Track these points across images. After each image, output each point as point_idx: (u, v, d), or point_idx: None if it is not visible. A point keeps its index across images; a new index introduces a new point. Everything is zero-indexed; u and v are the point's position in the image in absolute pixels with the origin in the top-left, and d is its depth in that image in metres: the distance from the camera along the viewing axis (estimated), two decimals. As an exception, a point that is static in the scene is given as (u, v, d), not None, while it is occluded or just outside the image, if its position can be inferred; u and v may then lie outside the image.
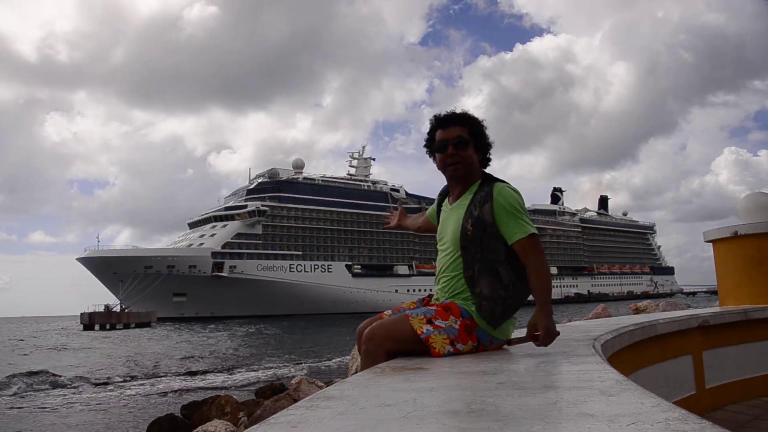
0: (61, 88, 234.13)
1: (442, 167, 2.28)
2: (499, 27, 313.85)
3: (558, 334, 2.03)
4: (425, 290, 39.79)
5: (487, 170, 2.34)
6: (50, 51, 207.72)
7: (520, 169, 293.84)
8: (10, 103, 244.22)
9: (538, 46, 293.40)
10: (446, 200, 2.39)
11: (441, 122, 2.28)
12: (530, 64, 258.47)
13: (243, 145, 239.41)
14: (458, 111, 2.31)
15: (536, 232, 2.10)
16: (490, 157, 2.33)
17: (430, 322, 2.04)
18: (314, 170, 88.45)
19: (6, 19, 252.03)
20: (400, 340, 2.04)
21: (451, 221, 2.25)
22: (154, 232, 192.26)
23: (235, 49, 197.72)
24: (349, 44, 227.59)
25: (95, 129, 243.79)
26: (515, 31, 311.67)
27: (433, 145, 2.30)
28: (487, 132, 2.31)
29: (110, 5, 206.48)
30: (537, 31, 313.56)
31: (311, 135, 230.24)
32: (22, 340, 39.68)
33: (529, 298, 2.21)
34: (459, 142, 2.21)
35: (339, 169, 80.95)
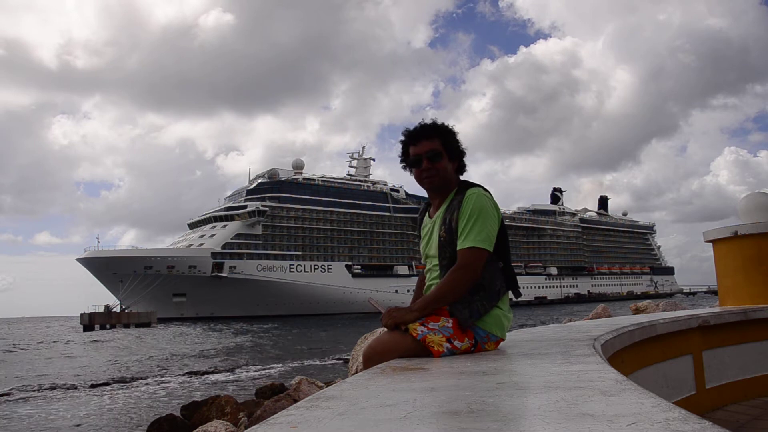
0: (76, 92, 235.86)
1: (419, 181, 2.32)
2: (504, 32, 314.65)
3: (400, 327, 2.06)
4: (425, 290, 39.60)
5: (465, 176, 2.36)
6: (69, 57, 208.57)
7: (523, 171, 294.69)
8: (25, 108, 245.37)
9: (542, 49, 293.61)
10: (426, 215, 2.41)
11: (412, 137, 2.30)
12: (534, 67, 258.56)
13: (253, 147, 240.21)
14: (428, 122, 2.33)
15: (482, 246, 2.07)
16: (465, 163, 2.35)
17: (423, 325, 2.06)
18: (322, 172, 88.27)
19: (29, 27, 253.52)
20: (399, 349, 2.06)
21: (433, 233, 2.29)
22: (159, 233, 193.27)
23: (247, 54, 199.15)
24: (358, 48, 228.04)
25: (105, 132, 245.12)
26: (519, 35, 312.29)
27: (408, 160, 2.33)
28: (459, 139, 2.32)
29: (128, 12, 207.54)
30: (541, 35, 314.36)
31: (320, 137, 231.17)
32: (29, 345, 39.69)
33: (511, 296, 2.26)
34: (432, 155, 2.24)
35: (346, 171, 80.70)
